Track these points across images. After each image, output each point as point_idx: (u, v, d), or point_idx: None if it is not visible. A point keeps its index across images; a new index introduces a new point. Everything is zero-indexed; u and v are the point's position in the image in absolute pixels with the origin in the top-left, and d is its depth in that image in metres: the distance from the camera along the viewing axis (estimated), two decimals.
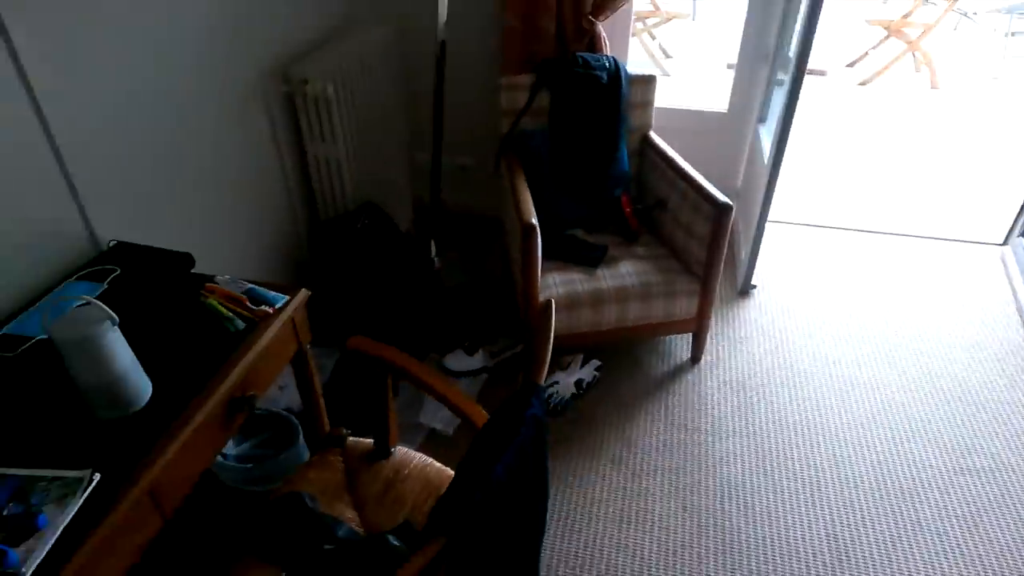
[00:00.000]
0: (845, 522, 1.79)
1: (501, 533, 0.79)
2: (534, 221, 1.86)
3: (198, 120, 1.73)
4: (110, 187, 1.48)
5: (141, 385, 1.10)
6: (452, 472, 1.37)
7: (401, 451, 1.40)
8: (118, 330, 1.04)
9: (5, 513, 0.92)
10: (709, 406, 2.13)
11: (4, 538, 0.88)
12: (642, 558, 1.69)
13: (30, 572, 0.85)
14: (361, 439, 1.42)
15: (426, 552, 0.68)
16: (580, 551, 1.70)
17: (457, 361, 2.21)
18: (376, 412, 1.36)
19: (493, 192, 2.85)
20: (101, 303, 1.03)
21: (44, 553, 0.87)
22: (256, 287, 1.35)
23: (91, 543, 0.90)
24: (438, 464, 1.38)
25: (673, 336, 2.40)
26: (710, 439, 2.02)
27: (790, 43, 2.44)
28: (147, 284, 1.33)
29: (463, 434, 2.01)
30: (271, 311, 1.30)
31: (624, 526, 1.77)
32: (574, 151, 2.23)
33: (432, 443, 1.99)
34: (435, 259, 2.61)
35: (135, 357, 1.09)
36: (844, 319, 2.51)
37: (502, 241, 2.62)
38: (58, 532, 0.89)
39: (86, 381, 1.04)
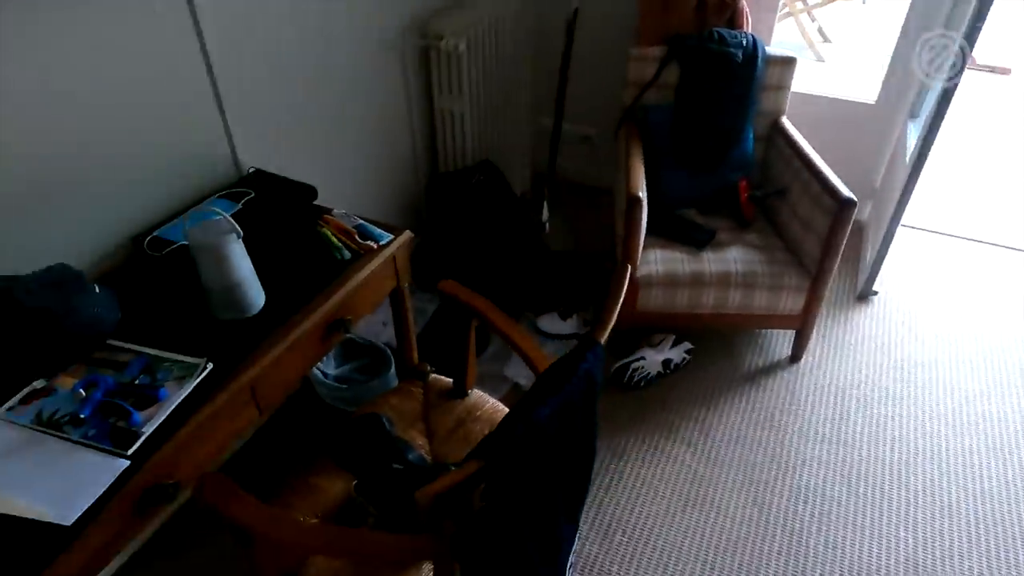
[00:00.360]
0: (931, 552, 1.68)
1: (538, 473, 0.84)
2: (641, 193, 1.85)
3: (340, 67, 1.87)
4: (255, 120, 1.64)
5: (255, 294, 1.24)
6: None
7: (477, 394, 1.48)
8: (241, 243, 1.18)
9: (136, 382, 1.08)
10: (800, 407, 2.05)
11: (132, 402, 1.04)
12: (701, 543, 1.69)
13: (148, 433, 1.01)
14: (443, 377, 1.52)
15: (464, 470, 0.75)
16: (639, 523, 1.72)
17: (550, 323, 2.26)
18: (458, 354, 1.44)
19: (612, 165, 2.86)
20: (230, 218, 1.17)
21: (160, 421, 1.03)
22: (366, 223, 1.47)
23: (197, 419, 1.05)
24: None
25: (773, 331, 2.31)
26: (795, 440, 1.95)
27: (958, 30, 2.21)
28: (274, 209, 1.48)
29: None
30: (375, 247, 1.41)
31: (688, 508, 1.77)
32: (697, 129, 2.18)
33: (514, 396, 2.06)
34: (545, 223, 2.66)
35: (254, 269, 1.23)
36: (971, 342, 2.30)
37: (611, 212, 2.63)
38: (174, 405, 1.05)
39: (211, 284, 1.19)
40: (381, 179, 2.21)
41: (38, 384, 1.08)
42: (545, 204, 2.65)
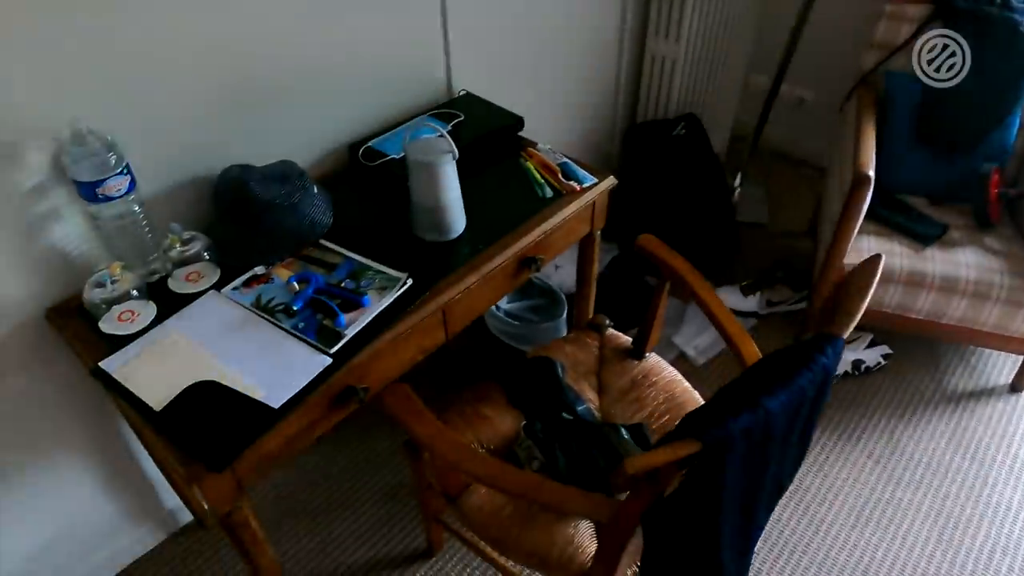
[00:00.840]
0: None
1: (752, 461, 0.75)
2: (870, 172, 1.63)
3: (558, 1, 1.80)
4: (472, 44, 1.62)
5: (458, 219, 1.23)
6: (700, 397, 1.35)
7: (655, 358, 1.40)
8: (455, 165, 1.17)
9: (343, 285, 1.12)
10: (1016, 446, 1.77)
11: (339, 304, 1.08)
12: (868, 569, 1.53)
13: (350, 336, 1.04)
14: (619, 333, 1.45)
15: (676, 449, 0.68)
16: (804, 531, 1.59)
17: (729, 297, 2.12)
18: (643, 313, 1.37)
19: (824, 134, 2.57)
20: (449, 138, 1.15)
21: (362, 326, 1.06)
22: (570, 163, 1.41)
23: (394, 331, 1.07)
24: (687, 384, 1.36)
25: (993, 351, 2.00)
26: (1003, 481, 1.69)
27: None
28: (482, 135, 1.46)
29: (714, 368, 1.95)
30: (577, 189, 1.35)
31: (860, 526, 1.60)
32: (957, 105, 1.87)
33: (678, 367, 1.96)
34: (736, 189, 2.47)
35: (460, 193, 1.22)
36: None
37: (819, 185, 2.37)
38: (375, 313, 1.08)
39: (420, 201, 1.19)
40: (579, 118, 2.14)
41: (259, 270, 1.15)
42: (740, 170, 2.45)
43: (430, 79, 1.57)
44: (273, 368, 0.99)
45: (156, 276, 1.14)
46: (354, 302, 1.09)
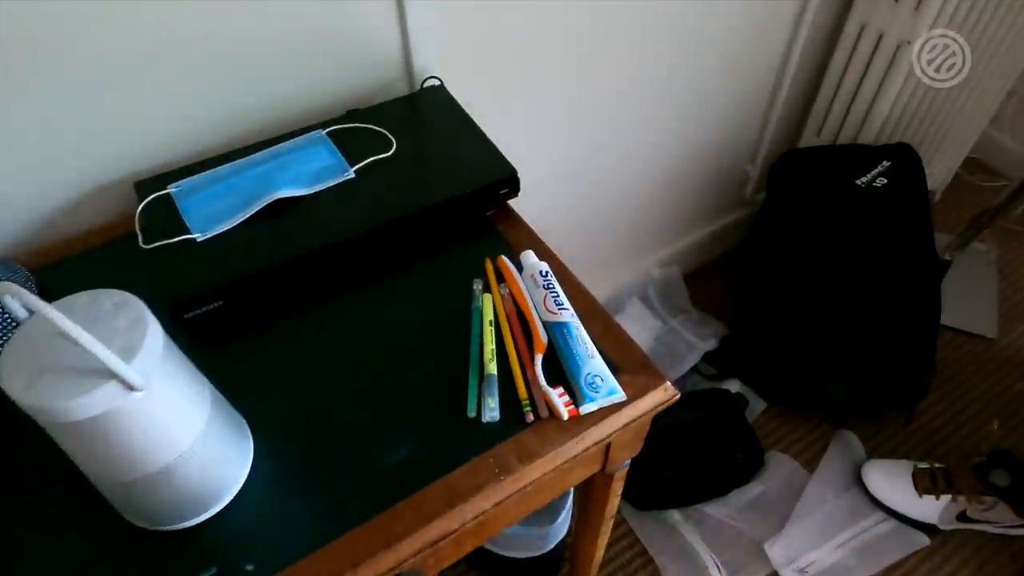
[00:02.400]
0: None
1: None
2: None
3: None
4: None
5: (192, 501, 0.47)
6: None
7: None
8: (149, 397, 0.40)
9: None
10: None
11: None
12: None
13: None
14: None
15: None
16: None
17: (883, 484, 1.21)
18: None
19: None
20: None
21: None
22: (572, 327, 0.58)
23: None
24: None
25: None
26: None
27: None
28: (406, 213, 0.66)
29: None
30: (563, 414, 0.54)
31: None
32: None
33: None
34: (947, 262, 1.47)
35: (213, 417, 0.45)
36: None
37: None
38: None
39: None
40: (688, 120, 1.24)
41: None
42: (961, 243, 1.44)
43: (358, 49, 0.77)
44: None
45: None
46: None
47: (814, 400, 1.31)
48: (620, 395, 0.55)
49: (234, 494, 0.50)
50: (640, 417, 0.56)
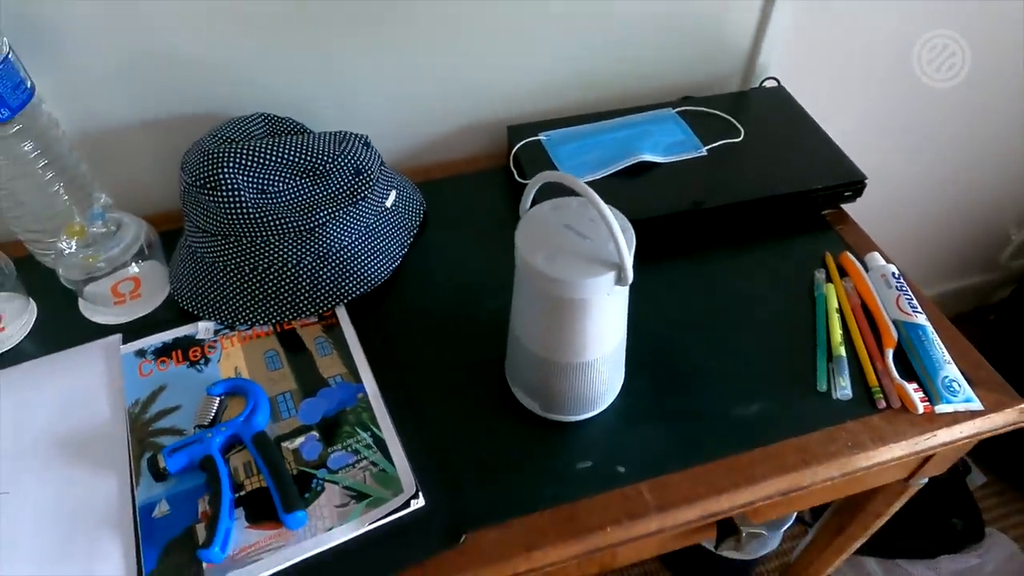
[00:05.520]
0: None
1: None
2: None
3: None
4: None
5: (603, 387, 0.54)
6: None
7: None
8: (623, 293, 0.47)
9: (294, 447, 0.52)
10: None
11: (243, 496, 0.49)
12: None
13: None
14: None
15: None
16: None
17: None
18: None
19: None
20: (628, 240, 0.45)
21: None
22: (929, 331, 0.59)
23: None
24: None
25: None
26: None
27: None
28: (758, 197, 0.70)
29: None
30: (919, 409, 0.55)
31: None
32: None
33: None
34: None
35: (622, 334, 0.52)
36: None
37: None
38: (304, 554, 0.46)
39: (521, 333, 0.52)
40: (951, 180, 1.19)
41: (200, 332, 0.61)
42: None
43: (712, 38, 0.82)
44: None
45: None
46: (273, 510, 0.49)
47: None
48: (977, 404, 0.56)
49: (609, 403, 0.56)
50: (992, 430, 0.56)
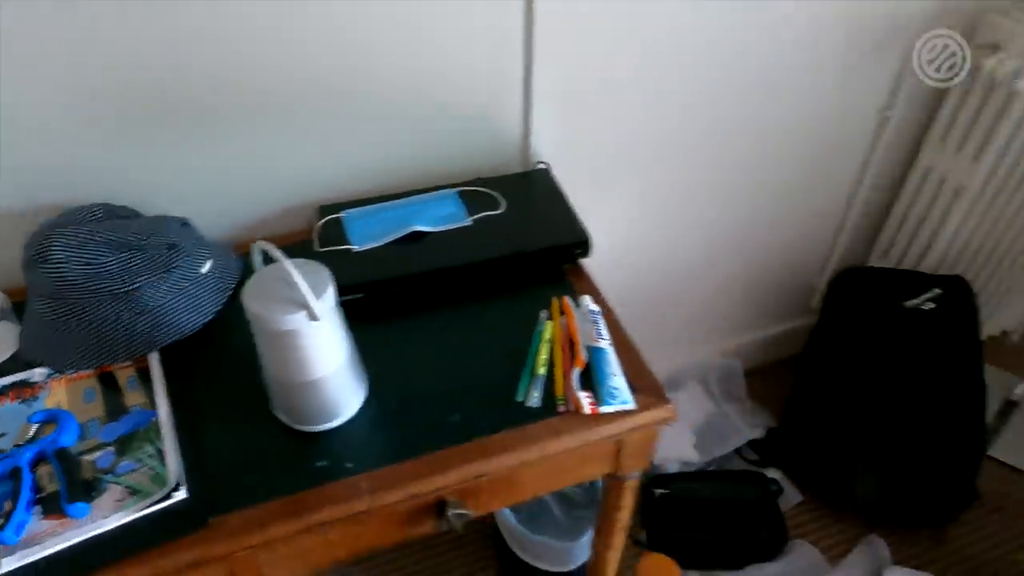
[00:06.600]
0: None
1: None
2: None
3: (761, 60, 1.11)
4: (574, 95, 1.04)
5: (335, 401, 0.70)
6: None
7: None
8: (331, 322, 0.64)
9: (90, 457, 0.67)
10: None
11: (41, 495, 0.64)
12: None
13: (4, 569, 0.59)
14: None
15: None
16: None
17: None
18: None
19: None
20: (327, 284, 0.63)
21: (39, 554, 0.60)
22: (609, 354, 0.78)
23: None
24: None
25: None
26: None
27: None
28: (502, 255, 0.89)
29: None
30: (587, 411, 0.73)
31: None
32: None
33: None
34: (1014, 404, 1.52)
35: (345, 361, 0.69)
36: None
37: None
38: (84, 535, 0.61)
39: (266, 367, 0.69)
40: (765, 227, 1.42)
41: (34, 375, 0.76)
42: None
43: (491, 132, 1.03)
44: None
45: None
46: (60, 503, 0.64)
47: (847, 500, 1.38)
48: (632, 404, 0.74)
49: (347, 417, 0.72)
50: (645, 425, 0.74)
